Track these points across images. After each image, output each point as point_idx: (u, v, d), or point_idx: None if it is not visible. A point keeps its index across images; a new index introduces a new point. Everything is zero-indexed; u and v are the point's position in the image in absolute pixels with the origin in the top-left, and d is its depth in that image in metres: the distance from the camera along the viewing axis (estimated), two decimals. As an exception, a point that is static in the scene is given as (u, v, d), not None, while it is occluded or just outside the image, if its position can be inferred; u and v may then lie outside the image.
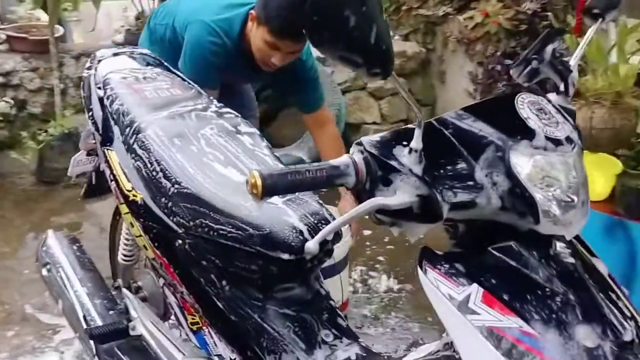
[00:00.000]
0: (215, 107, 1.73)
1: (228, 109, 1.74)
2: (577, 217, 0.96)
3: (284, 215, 1.38)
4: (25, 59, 3.85)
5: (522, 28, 4.14)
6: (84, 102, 1.76)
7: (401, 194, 0.89)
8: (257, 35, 2.05)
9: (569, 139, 0.96)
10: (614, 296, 0.97)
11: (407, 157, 0.90)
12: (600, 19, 1.17)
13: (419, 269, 0.97)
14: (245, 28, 2.13)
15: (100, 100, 1.69)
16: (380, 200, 0.89)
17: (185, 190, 1.45)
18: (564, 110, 1.05)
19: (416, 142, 0.89)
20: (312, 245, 0.98)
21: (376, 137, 0.94)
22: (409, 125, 0.93)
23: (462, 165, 0.93)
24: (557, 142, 0.95)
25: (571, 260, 0.97)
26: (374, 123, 4.27)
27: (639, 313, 0.98)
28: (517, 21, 4.16)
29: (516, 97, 0.98)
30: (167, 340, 1.65)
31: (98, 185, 1.96)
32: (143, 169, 1.53)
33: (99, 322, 1.70)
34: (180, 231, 1.44)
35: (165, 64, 1.94)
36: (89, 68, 1.79)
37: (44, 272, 1.85)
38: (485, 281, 0.93)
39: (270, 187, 0.85)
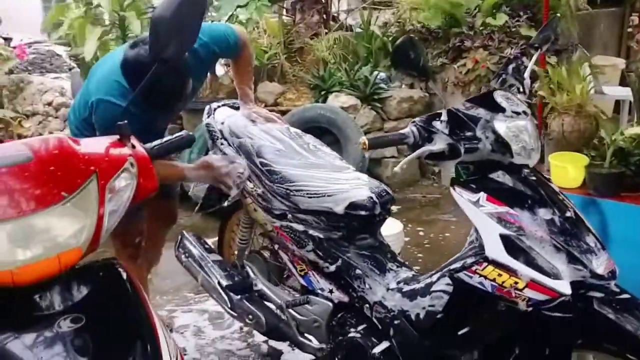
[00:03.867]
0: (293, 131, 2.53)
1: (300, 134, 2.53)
2: (534, 153, 1.75)
3: (359, 188, 2.16)
4: None
5: (507, 69, 5.08)
6: (210, 139, 2.54)
7: (438, 144, 1.70)
8: None
9: (524, 112, 1.77)
10: (560, 196, 1.75)
11: (440, 125, 1.72)
12: (539, 50, 1.99)
13: (451, 189, 1.76)
14: None
15: (222, 133, 2.50)
16: (428, 147, 1.69)
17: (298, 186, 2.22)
18: (524, 103, 1.86)
19: (444, 117, 1.71)
20: (398, 168, 1.74)
21: (422, 117, 1.76)
22: (438, 111, 1.75)
23: (468, 129, 1.73)
24: (517, 113, 1.75)
25: (533, 178, 1.76)
26: (392, 157, 5.09)
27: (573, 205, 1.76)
28: (502, 64, 5.08)
29: (493, 93, 1.79)
30: (278, 290, 2.43)
31: (207, 202, 2.75)
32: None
33: (230, 285, 2.46)
34: (291, 209, 2.22)
35: None
36: (208, 116, 2.60)
37: (183, 258, 2.61)
38: (487, 190, 1.72)
39: (372, 145, 1.66)
